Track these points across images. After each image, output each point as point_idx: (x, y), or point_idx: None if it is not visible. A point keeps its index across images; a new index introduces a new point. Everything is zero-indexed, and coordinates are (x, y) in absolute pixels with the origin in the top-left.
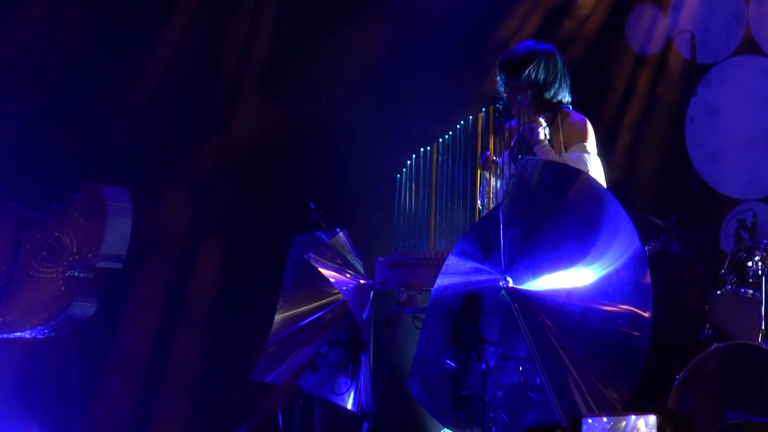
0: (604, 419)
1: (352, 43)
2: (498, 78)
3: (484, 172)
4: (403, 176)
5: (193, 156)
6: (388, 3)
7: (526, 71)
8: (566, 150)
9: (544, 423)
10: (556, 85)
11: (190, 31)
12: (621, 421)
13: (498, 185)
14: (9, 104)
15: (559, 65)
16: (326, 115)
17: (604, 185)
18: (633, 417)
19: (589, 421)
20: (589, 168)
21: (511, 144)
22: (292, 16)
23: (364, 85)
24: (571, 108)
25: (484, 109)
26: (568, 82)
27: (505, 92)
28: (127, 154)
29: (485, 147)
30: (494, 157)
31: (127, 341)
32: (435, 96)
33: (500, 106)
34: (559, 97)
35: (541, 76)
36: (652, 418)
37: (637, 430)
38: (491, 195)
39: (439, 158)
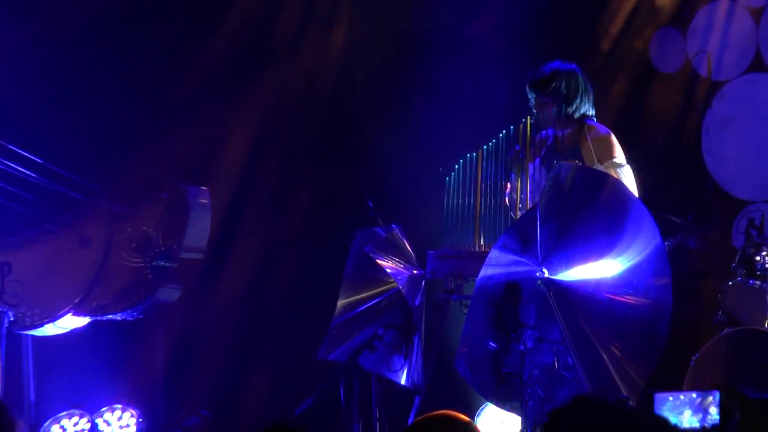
0: (670, 398)
1: (413, 61)
2: (528, 94)
3: (512, 165)
4: (452, 179)
5: (267, 159)
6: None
7: (550, 88)
8: (599, 163)
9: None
10: (578, 101)
11: (260, 47)
12: (688, 397)
13: (528, 187)
14: (101, 109)
15: (581, 83)
16: (385, 125)
17: (635, 191)
18: (694, 394)
19: (665, 397)
20: (622, 177)
21: (542, 153)
22: (355, 35)
23: (420, 99)
24: (595, 120)
25: (523, 120)
26: (591, 97)
27: (534, 107)
28: (207, 155)
29: (515, 142)
30: (517, 181)
31: (207, 324)
32: (481, 106)
33: (532, 119)
34: (582, 111)
35: (564, 93)
36: (716, 395)
37: (704, 405)
38: (518, 192)
39: (484, 163)
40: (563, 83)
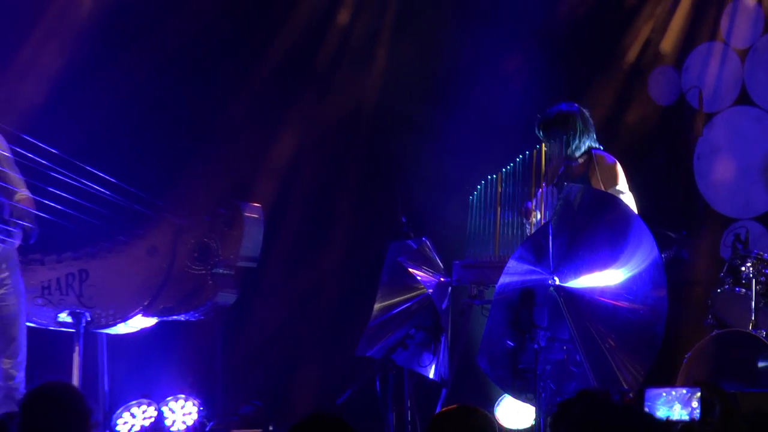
0: (663, 393)
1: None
2: (537, 134)
3: (524, 216)
4: (475, 197)
5: (312, 177)
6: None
7: (555, 129)
8: (606, 186)
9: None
10: (581, 137)
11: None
12: (678, 392)
13: (543, 208)
14: (164, 135)
15: (579, 122)
16: (417, 149)
17: (634, 209)
18: (684, 390)
19: (658, 393)
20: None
21: (554, 180)
22: (393, 64)
23: (448, 126)
24: (601, 149)
25: (537, 147)
26: (593, 131)
27: (544, 142)
28: (257, 173)
29: (529, 190)
30: (533, 207)
31: (260, 324)
32: (500, 135)
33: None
34: (587, 144)
35: (569, 131)
36: (696, 392)
37: (692, 400)
38: (532, 226)
39: (503, 184)
40: (568, 122)
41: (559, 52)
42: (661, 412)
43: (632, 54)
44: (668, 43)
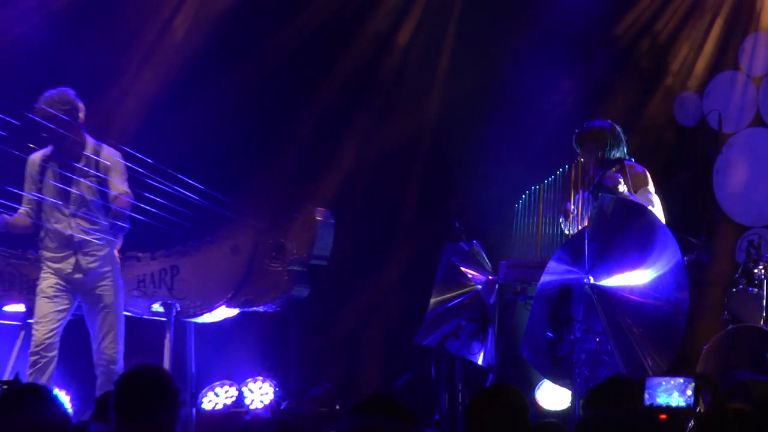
0: (663, 382)
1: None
2: (575, 146)
3: (563, 215)
4: (520, 205)
5: (378, 186)
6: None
7: (590, 142)
8: (635, 192)
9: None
10: (612, 149)
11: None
12: (668, 380)
13: (580, 213)
14: (246, 145)
15: (610, 136)
16: (470, 164)
17: (663, 215)
18: (679, 378)
19: (653, 380)
20: (653, 203)
21: (590, 188)
22: (452, 86)
23: (496, 143)
24: (632, 159)
25: (575, 162)
26: (623, 144)
27: (580, 155)
28: (329, 182)
29: (568, 197)
30: (571, 209)
31: (329, 315)
32: (543, 150)
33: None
34: (618, 155)
35: (601, 144)
36: (692, 382)
37: (687, 389)
38: (571, 227)
39: (544, 194)
40: (600, 136)
41: (599, 80)
42: (662, 399)
43: (663, 82)
44: (692, 72)
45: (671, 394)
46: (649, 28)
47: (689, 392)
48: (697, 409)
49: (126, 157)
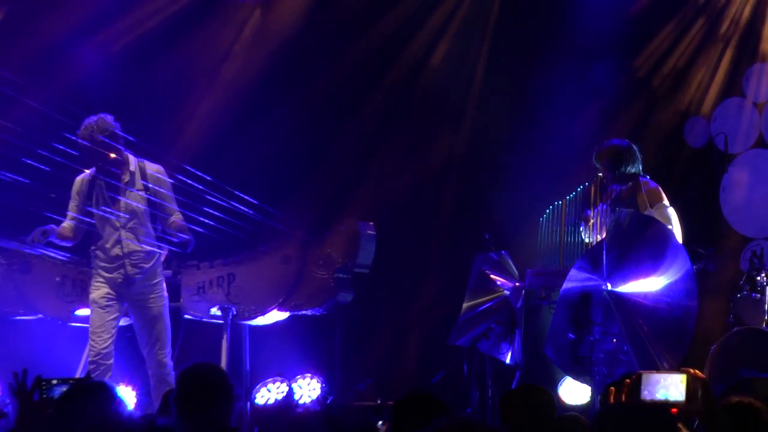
0: (661, 379)
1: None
2: (594, 163)
3: (582, 221)
4: (544, 219)
5: (415, 202)
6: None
7: (606, 159)
8: (651, 207)
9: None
10: (628, 165)
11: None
12: (665, 377)
13: (599, 224)
14: (295, 164)
15: (626, 153)
16: (499, 182)
17: (679, 228)
18: (674, 374)
19: (648, 376)
20: (670, 217)
21: (609, 202)
22: (485, 111)
23: (523, 164)
24: (647, 177)
25: (594, 179)
26: (639, 162)
27: (599, 171)
28: (372, 196)
29: (587, 206)
30: (591, 216)
31: (371, 319)
32: (565, 170)
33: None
34: (633, 171)
35: (618, 160)
36: (683, 377)
37: (679, 384)
38: (590, 235)
39: (566, 209)
40: (616, 153)
41: (619, 105)
42: (660, 394)
43: (675, 107)
44: (702, 99)
45: (668, 389)
46: (664, 60)
47: (683, 387)
48: (691, 403)
49: (188, 174)
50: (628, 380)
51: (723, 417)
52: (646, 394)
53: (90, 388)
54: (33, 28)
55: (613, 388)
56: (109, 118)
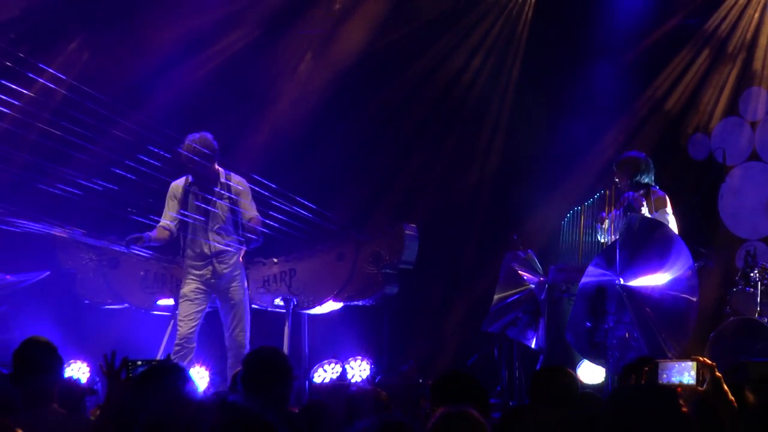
0: (675, 365)
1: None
2: (614, 170)
3: (597, 223)
4: (565, 222)
5: (454, 206)
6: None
7: (625, 168)
8: (656, 211)
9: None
10: (643, 175)
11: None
12: (679, 363)
13: (613, 227)
14: (349, 173)
15: (643, 164)
16: (528, 191)
17: (676, 227)
18: (687, 362)
19: (663, 363)
20: (668, 221)
21: (621, 208)
22: (515, 129)
23: (549, 174)
24: (657, 187)
25: (611, 186)
26: (652, 173)
27: (617, 178)
28: (415, 202)
29: (603, 210)
30: (605, 217)
31: (414, 308)
32: (585, 177)
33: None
34: (646, 180)
35: (634, 170)
36: (693, 364)
37: (691, 370)
38: (605, 235)
39: (585, 212)
40: (633, 164)
41: (633, 125)
42: (675, 378)
43: (680, 127)
44: (704, 118)
45: (682, 374)
46: (675, 85)
47: (693, 372)
48: (701, 386)
49: (256, 183)
50: (646, 368)
51: (729, 398)
52: (663, 378)
53: (166, 369)
54: (129, 59)
55: (634, 374)
56: (209, 135)
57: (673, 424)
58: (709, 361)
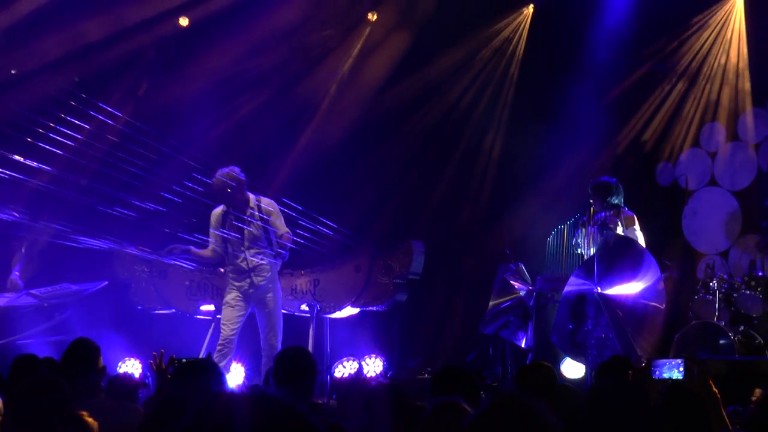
0: (666, 363)
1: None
2: (590, 193)
3: (579, 225)
4: (551, 238)
5: (453, 224)
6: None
7: (598, 191)
8: (626, 229)
9: (619, 358)
10: (613, 197)
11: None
12: (670, 361)
13: (590, 241)
14: (362, 194)
15: (613, 188)
16: (520, 209)
17: (644, 244)
18: (678, 360)
19: (656, 361)
20: (637, 237)
21: (598, 225)
22: (509, 152)
23: (538, 198)
24: (626, 207)
25: (588, 209)
26: (622, 195)
27: (592, 200)
28: (423, 220)
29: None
30: (586, 221)
31: (421, 313)
32: (568, 200)
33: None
34: (616, 202)
35: (606, 193)
36: (683, 361)
37: (680, 367)
38: (584, 244)
39: (568, 231)
40: (605, 187)
41: (614, 160)
42: (667, 374)
43: (652, 157)
44: (668, 149)
45: (672, 370)
46: (646, 126)
47: (682, 369)
48: (689, 380)
49: (285, 204)
50: (643, 364)
51: (714, 390)
52: (655, 374)
53: (201, 365)
54: (178, 98)
55: (631, 371)
56: (237, 169)
57: (641, 414)
58: (696, 359)
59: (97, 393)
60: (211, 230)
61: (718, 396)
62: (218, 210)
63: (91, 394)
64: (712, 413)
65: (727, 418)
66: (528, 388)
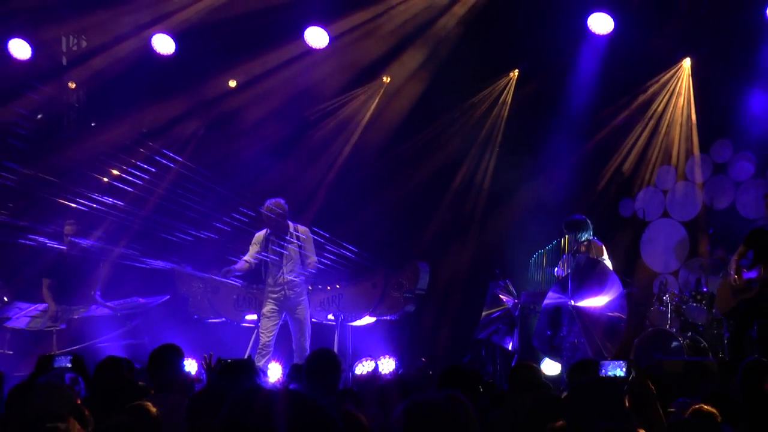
0: (610, 364)
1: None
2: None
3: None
4: (533, 260)
5: (451, 247)
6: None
7: (570, 227)
8: (597, 256)
9: (586, 360)
10: (583, 233)
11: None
12: (614, 362)
13: (566, 266)
14: (374, 218)
15: (582, 225)
16: (508, 233)
17: (611, 267)
18: (619, 361)
19: (603, 362)
20: (606, 261)
21: (570, 252)
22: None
23: (524, 224)
24: (596, 237)
25: (563, 238)
26: (591, 228)
27: (565, 231)
28: (428, 245)
29: (558, 253)
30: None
31: (426, 321)
32: (546, 230)
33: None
34: (586, 236)
35: (576, 229)
36: (624, 362)
37: (623, 366)
38: (560, 272)
39: (546, 255)
40: (577, 224)
41: (584, 194)
42: (611, 372)
43: (616, 193)
44: (630, 189)
45: (615, 369)
46: (618, 172)
47: (624, 368)
48: (630, 377)
49: (314, 232)
50: (592, 365)
51: (650, 386)
52: (602, 372)
53: (241, 365)
54: (227, 140)
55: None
56: (282, 200)
57: (614, 408)
58: (634, 361)
59: (171, 389)
60: (252, 247)
61: (655, 392)
62: (261, 233)
63: (166, 389)
64: (649, 406)
65: (662, 412)
66: (519, 384)
